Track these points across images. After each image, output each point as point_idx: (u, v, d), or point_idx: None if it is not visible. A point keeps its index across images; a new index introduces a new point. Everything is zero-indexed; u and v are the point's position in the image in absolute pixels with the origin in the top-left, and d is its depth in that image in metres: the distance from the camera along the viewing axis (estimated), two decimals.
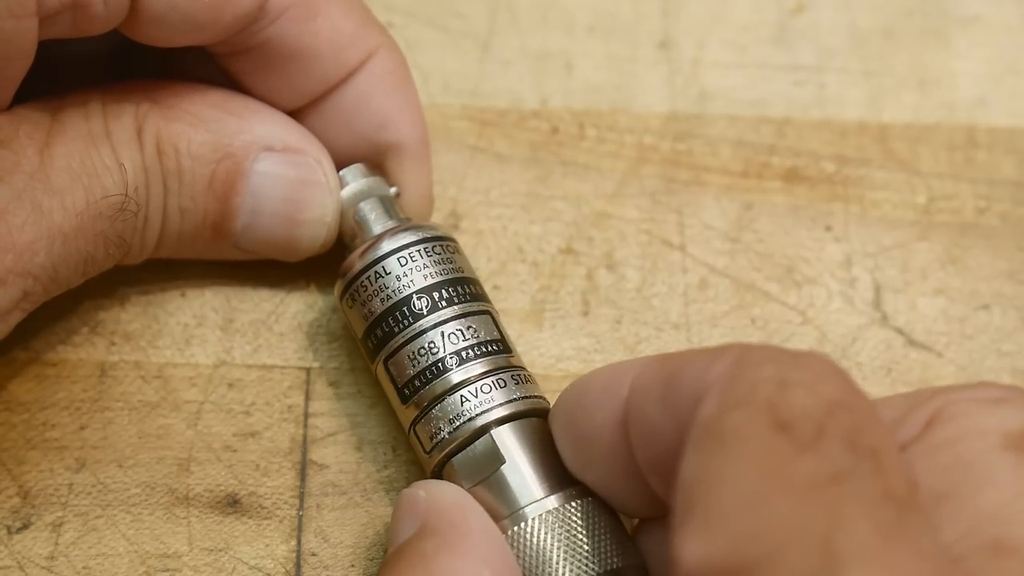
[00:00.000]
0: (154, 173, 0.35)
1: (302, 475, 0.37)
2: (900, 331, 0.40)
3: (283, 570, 0.36)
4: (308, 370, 0.38)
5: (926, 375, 0.39)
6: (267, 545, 0.36)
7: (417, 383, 0.35)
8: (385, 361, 0.35)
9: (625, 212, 0.41)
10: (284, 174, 0.37)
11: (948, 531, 0.26)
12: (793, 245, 0.41)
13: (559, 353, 0.39)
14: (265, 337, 0.39)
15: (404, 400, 0.35)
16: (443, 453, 0.34)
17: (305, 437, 0.37)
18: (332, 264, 0.39)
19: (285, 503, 0.36)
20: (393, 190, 0.38)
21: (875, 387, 0.39)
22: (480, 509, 0.33)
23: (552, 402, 0.34)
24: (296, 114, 0.38)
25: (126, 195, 0.35)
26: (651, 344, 0.39)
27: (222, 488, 0.36)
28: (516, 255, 0.41)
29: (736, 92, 0.44)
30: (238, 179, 0.36)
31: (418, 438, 0.35)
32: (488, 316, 0.35)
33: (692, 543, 0.25)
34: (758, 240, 0.41)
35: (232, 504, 0.36)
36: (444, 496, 0.33)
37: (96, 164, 0.34)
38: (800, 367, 0.27)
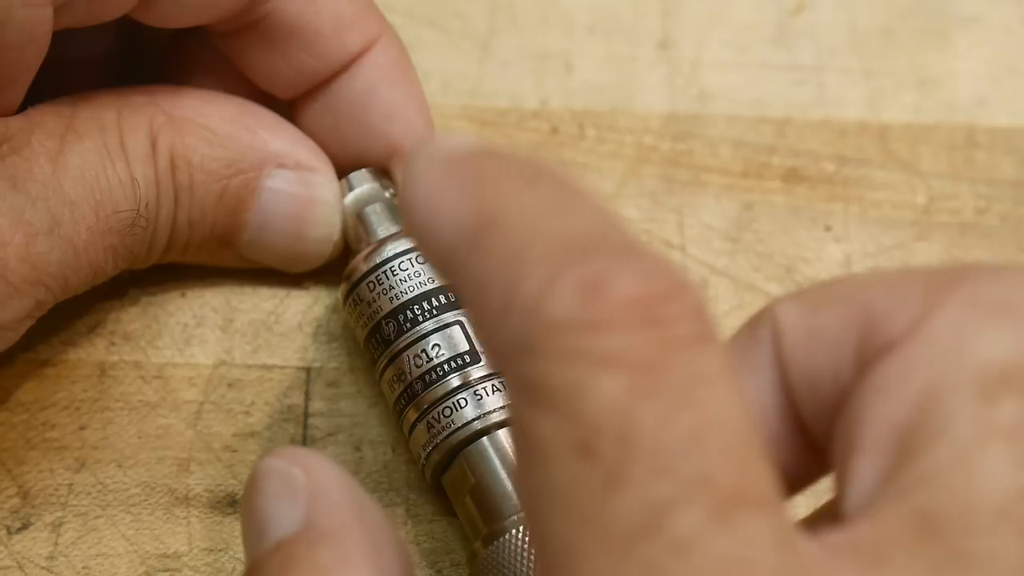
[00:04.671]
0: (166, 187, 0.35)
1: None
2: None
3: None
4: (308, 370, 0.38)
5: None
6: None
7: (398, 407, 0.35)
8: (379, 383, 0.36)
9: (625, 212, 0.41)
10: (294, 192, 0.37)
11: (891, 489, 0.22)
12: (793, 245, 0.41)
13: None
14: (265, 337, 0.39)
15: (397, 422, 0.36)
16: (428, 476, 0.35)
17: (305, 437, 0.37)
18: (332, 264, 0.39)
19: None
20: (388, 193, 0.38)
21: None
22: (371, 503, 0.27)
23: None
24: (303, 108, 0.38)
25: (137, 212, 0.35)
26: None
27: (222, 488, 0.36)
28: None
29: (736, 92, 0.44)
30: (249, 195, 0.37)
31: (411, 446, 0.35)
32: (458, 327, 0.35)
33: None
34: (758, 240, 0.41)
35: (232, 504, 0.36)
36: (331, 490, 0.26)
37: (110, 178, 0.34)
38: (607, 321, 0.21)
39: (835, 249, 0.41)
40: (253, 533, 0.27)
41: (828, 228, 0.42)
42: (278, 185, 0.37)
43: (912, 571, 0.21)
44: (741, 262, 0.41)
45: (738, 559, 0.20)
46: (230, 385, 0.38)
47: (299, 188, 0.37)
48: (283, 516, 0.26)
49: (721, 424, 0.21)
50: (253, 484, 0.27)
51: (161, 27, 0.36)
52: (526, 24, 0.45)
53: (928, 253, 0.41)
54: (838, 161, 0.43)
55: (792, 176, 0.42)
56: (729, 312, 0.40)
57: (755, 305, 0.40)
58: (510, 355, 0.22)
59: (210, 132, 0.36)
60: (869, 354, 0.24)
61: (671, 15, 0.45)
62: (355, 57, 0.37)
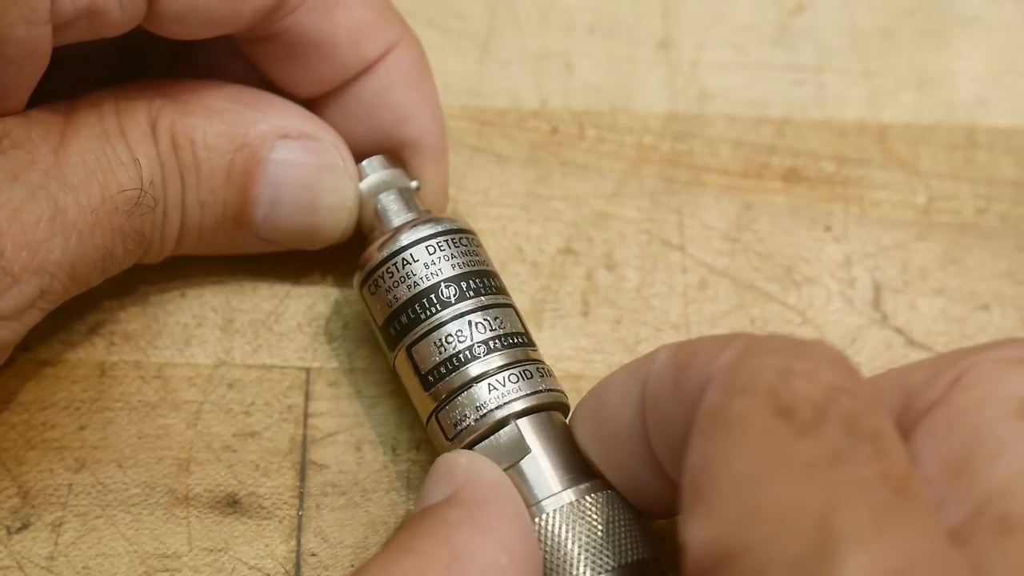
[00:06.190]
0: (170, 167, 0.35)
1: (302, 475, 0.37)
2: (900, 331, 0.40)
3: (283, 570, 0.36)
4: (308, 370, 0.38)
5: None
6: (267, 545, 0.36)
7: (443, 370, 0.35)
8: (408, 348, 0.35)
9: (625, 212, 0.41)
10: (302, 160, 0.37)
11: (961, 510, 0.26)
12: (793, 245, 0.41)
13: (559, 353, 0.39)
14: (265, 337, 0.39)
15: (427, 387, 0.35)
16: (466, 440, 0.34)
17: (305, 437, 0.37)
18: (333, 264, 0.39)
19: (285, 503, 0.36)
20: (414, 184, 0.38)
21: None
22: (516, 495, 0.32)
23: (570, 398, 0.35)
24: (316, 105, 0.38)
25: (141, 189, 0.35)
26: (651, 344, 0.39)
27: (222, 488, 0.36)
28: (516, 255, 0.41)
29: (736, 92, 0.44)
30: (256, 168, 0.36)
31: (440, 425, 0.35)
32: (511, 309, 0.36)
33: (696, 528, 0.26)
34: (758, 240, 0.41)
35: (232, 504, 0.36)
36: (483, 472, 0.33)
37: (111, 159, 0.34)
38: (803, 356, 0.27)
39: (835, 249, 0.41)
40: (417, 504, 0.33)
41: (828, 228, 0.42)
42: (284, 156, 0.37)
43: (1005, 560, 0.25)
44: (741, 262, 0.41)
45: (895, 508, 0.25)
46: (230, 385, 0.38)
47: (306, 156, 0.37)
48: (438, 490, 0.32)
49: (893, 438, 0.26)
50: (429, 472, 0.33)
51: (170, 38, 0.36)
52: (526, 24, 0.45)
53: (928, 253, 0.41)
54: (838, 161, 0.43)
55: (792, 176, 0.42)
56: (729, 312, 0.40)
57: (755, 305, 0.40)
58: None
59: (210, 110, 0.36)
60: (912, 419, 0.28)
61: (671, 15, 0.45)
62: (372, 63, 0.37)
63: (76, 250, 0.34)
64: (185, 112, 0.36)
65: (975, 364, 0.28)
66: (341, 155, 0.37)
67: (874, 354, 0.40)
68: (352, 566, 0.36)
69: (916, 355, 0.40)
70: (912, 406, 0.28)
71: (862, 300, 0.40)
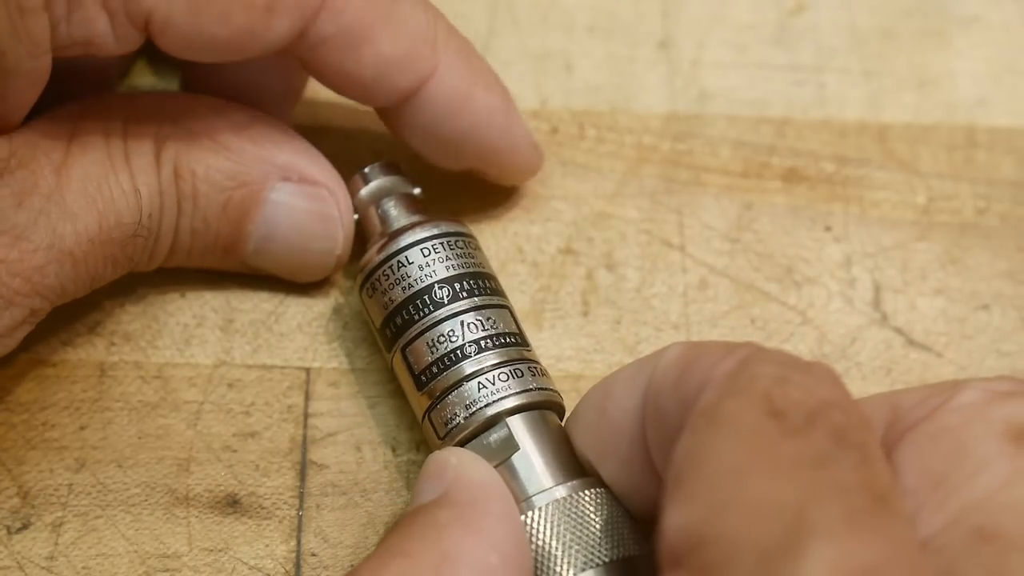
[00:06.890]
0: (169, 196, 0.36)
1: (302, 475, 0.37)
2: (900, 331, 0.40)
3: (283, 570, 0.36)
4: (308, 370, 0.38)
5: (926, 375, 0.39)
6: (267, 545, 0.36)
7: (435, 369, 0.35)
8: (403, 349, 0.35)
9: (625, 212, 0.41)
10: (298, 205, 0.37)
11: (937, 519, 0.27)
12: (793, 245, 0.41)
13: (559, 353, 0.39)
14: (265, 337, 0.39)
15: (420, 387, 0.35)
16: (457, 439, 0.34)
17: (305, 437, 0.37)
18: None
19: (285, 503, 0.36)
20: (416, 190, 0.38)
21: (875, 387, 0.39)
22: (506, 493, 0.33)
23: (564, 396, 0.35)
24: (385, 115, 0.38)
25: (139, 223, 0.35)
26: (651, 344, 0.39)
27: (222, 488, 0.36)
28: (516, 255, 0.41)
29: (736, 92, 0.44)
30: (253, 207, 0.37)
31: (432, 425, 0.35)
32: (506, 310, 0.36)
33: (674, 514, 0.26)
34: (758, 240, 0.41)
35: (232, 504, 0.36)
36: (473, 471, 0.33)
37: (112, 189, 0.34)
38: (802, 370, 0.28)
39: (835, 249, 0.41)
40: (410, 504, 0.33)
41: (828, 228, 0.42)
42: (282, 198, 0.37)
43: (980, 567, 0.25)
44: (741, 262, 0.41)
45: (871, 513, 0.25)
46: (230, 385, 0.38)
47: (303, 202, 0.37)
48: (429, 490, 0.32)
49: (879, 456, 0.27)
50: (421, 470, 0.33)
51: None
52: (526, 24, 0.45)
53: (928, 253, 0.41)
54: (838, 161, 0.43)
55: (792, 176, 0.42)
56: (729, 312, 0.40)
57: (755, 305, 0.40)
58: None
59: (215, 143, 0.36)
60: (897, 436, 0.28)
61: (671, 15, 0.45)
62: (408, 94, 0.37)
63: (69, 274, 0.34)
64: (191, 142, 0.36)
65: (963, 389, 0.29)
66: (338, 204, 0.38)
67: (874, 354, 0.40)
68: (352, 566, 0.36)
69: (916, 355, 0.40)
70: (898, 424, 0.29)
71: (862, 300, 0.40)
